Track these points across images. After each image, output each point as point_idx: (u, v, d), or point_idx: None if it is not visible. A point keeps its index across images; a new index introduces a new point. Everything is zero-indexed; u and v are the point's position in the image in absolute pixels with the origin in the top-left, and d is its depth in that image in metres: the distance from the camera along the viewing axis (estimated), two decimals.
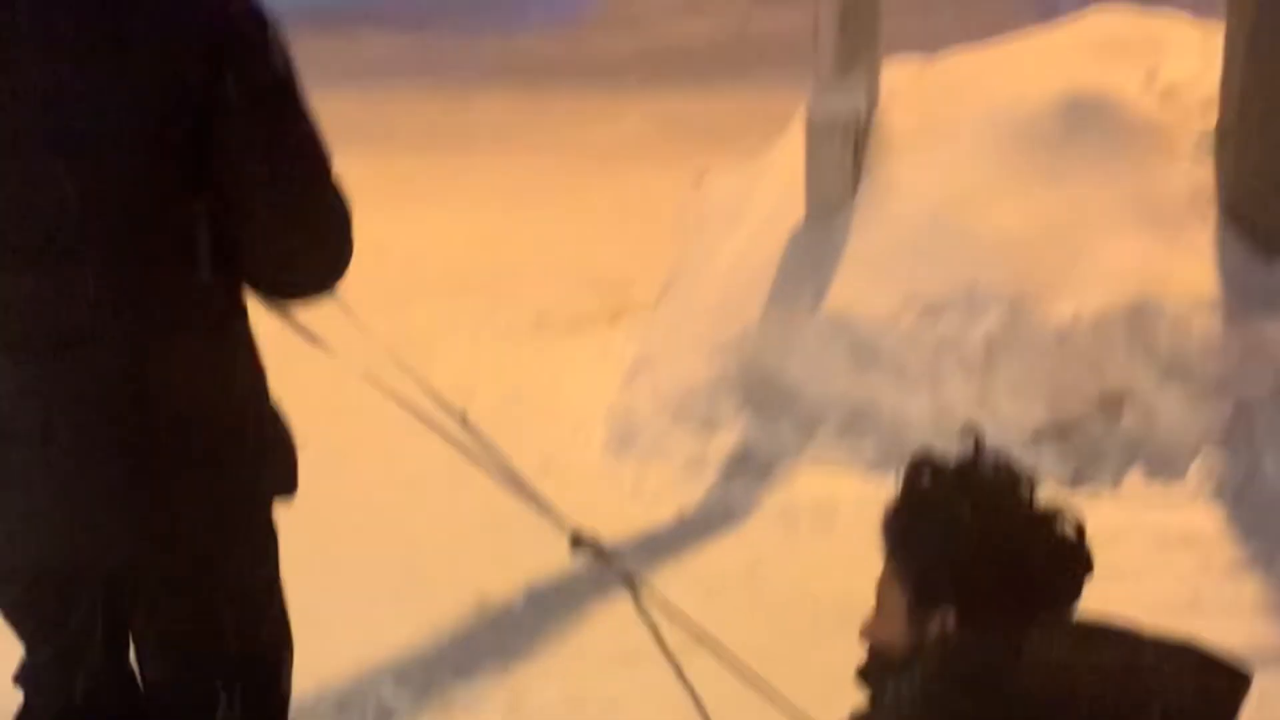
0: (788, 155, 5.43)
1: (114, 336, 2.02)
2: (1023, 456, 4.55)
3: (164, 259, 2.02)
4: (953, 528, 2.09)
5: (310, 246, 2.13)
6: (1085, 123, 4.94)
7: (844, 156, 4.98)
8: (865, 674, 2.19)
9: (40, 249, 1.99)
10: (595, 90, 12.00)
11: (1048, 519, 2.07)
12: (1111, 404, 4.68)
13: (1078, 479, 4.63)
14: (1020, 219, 4.80)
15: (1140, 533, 4.32)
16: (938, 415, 4.72)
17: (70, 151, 1.92)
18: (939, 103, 5.20)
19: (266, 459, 2.26)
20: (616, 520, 4.71)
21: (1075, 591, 2.08)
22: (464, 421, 2.97)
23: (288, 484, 2.33)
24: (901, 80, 5.38)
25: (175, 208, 2.00)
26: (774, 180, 5.48)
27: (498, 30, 15.45)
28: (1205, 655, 1.99)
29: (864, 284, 4.82)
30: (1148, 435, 4.65)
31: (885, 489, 4.55)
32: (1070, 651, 1.97)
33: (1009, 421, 4.66)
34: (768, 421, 4.87)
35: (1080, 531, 2.07)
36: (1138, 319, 4.64)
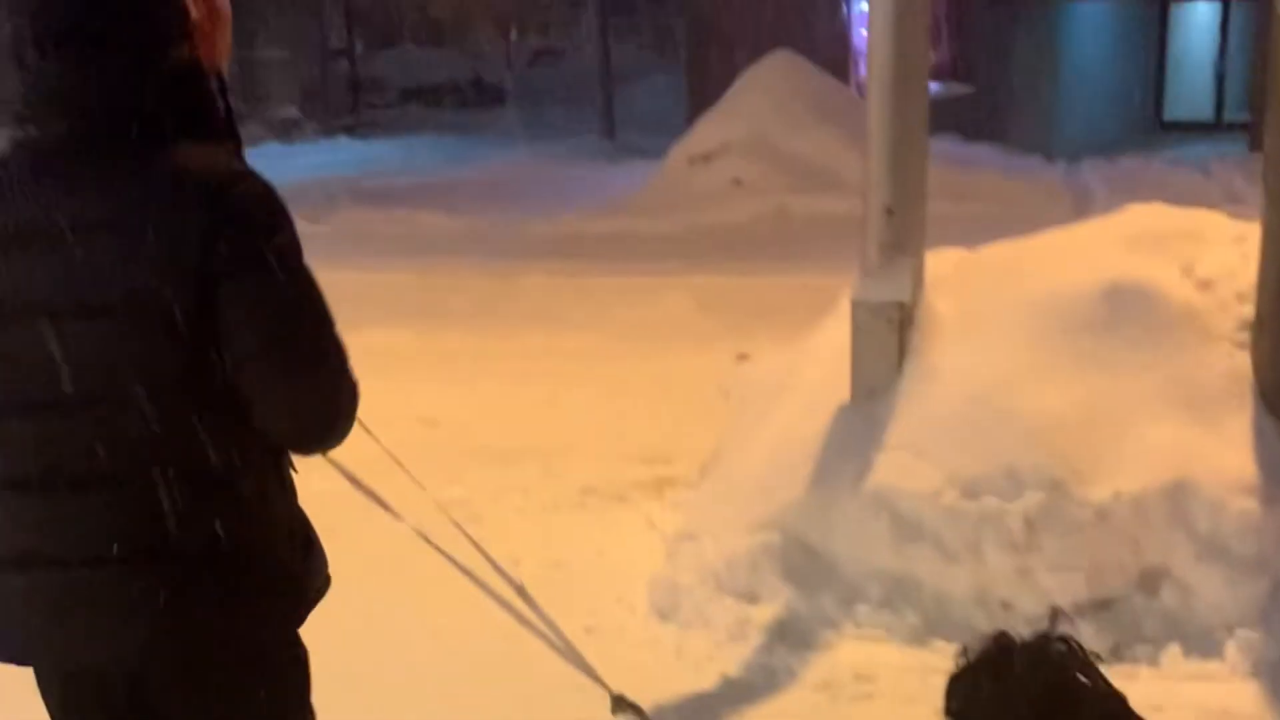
0: (832, 336, 5.59)
1: (128, 480, 2.22)
2: (1062, 630, 4.69)
3: (180, 412, 2.20)
4: (1012, 697, 2.12)
5: (306, 402, 2.25)
6: (1125, 310, 5.08)
7: (889, 340, 5.13)
8: None
9: (57, 403, 2.20)
10: (638, 270, 12.28)
11: (1107, 698, 2.13)
12: (1150, 581, 4.76)
13: (1116, 654, 4.68)
14: (1061, 402, 4.93)
15: (1179, 709, 4.36)
16: (978, 589, 4.82)
17: (84, 319, 2.17)
18: (982, 289, 5.36)
19: (283, 595, 2.39)
20: (659, 685, 4.78)
21: None
22: (521, 590, 3.29)
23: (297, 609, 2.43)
24: (945, 268, 5.55)
25: (188, 366, 2.18)
26: (818, 360, 5.63)
27: (545, 213, 15.86)
28: None
29: (907, 462, 4.94)
30: (1186, 613, 4.72)
31: (926, 659, 4.65)
32: None
33: (1049, 595, 4.73)
34: (809, 593, 4.96)
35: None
36: (1176, 499, 4.74)
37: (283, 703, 2.45)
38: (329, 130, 25.14)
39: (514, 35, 34.47)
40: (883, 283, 5.18)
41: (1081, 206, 14.47)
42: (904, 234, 5.20)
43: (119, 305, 2.16)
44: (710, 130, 16.85)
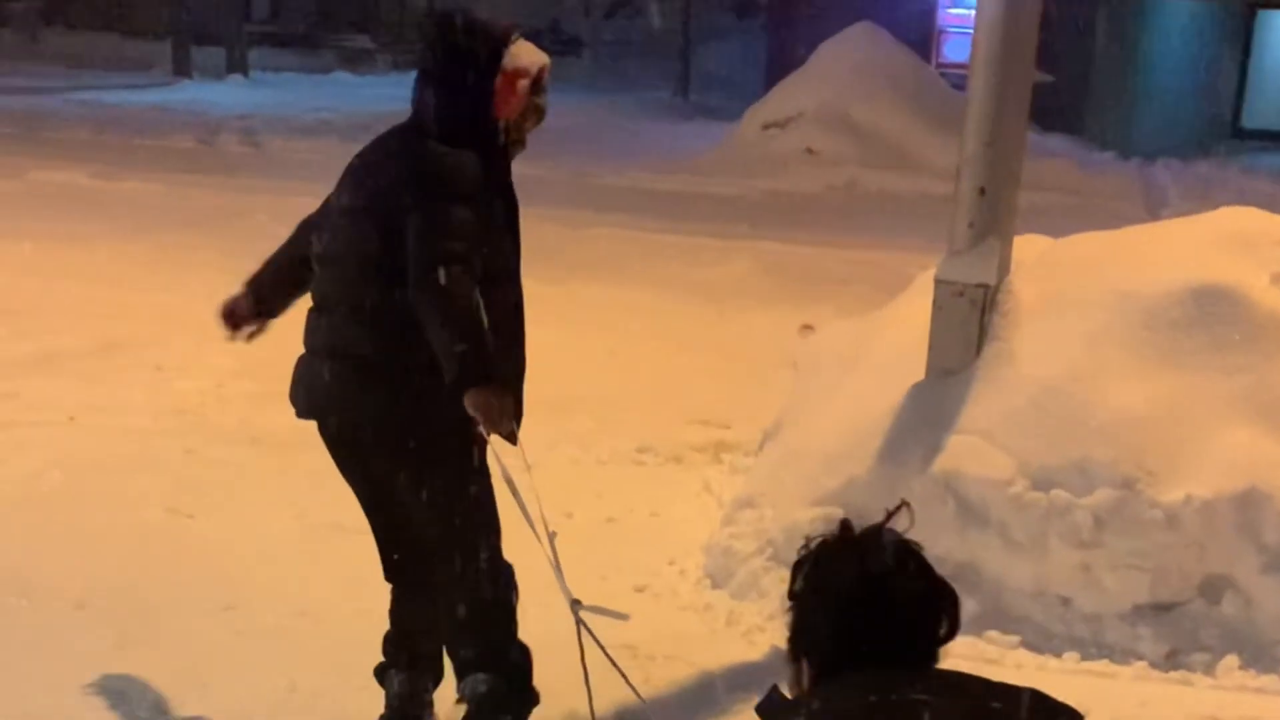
0: (910, 312, 5.52)
1: (349, 307, 3.77)
2: (1119, 631, 4.63)
3: (383, 273, 3.68)
4: (804, 584, 2.30)
5: (430, 286, 3.56)
6: (1210, 312, 5.00)
7: (970, 321, 5.06)
8: (758, 709, 2.32)
9: (334, 258, 3.84)
10: (705, 231, 12.21)
11: (916, 577, 2.25)
12: (1213, 589, 4.70)
13: (1173, 660, 4.64)
14: (1138, 400, 4.86)
15: None
16: (1039, 582, 4.77)
17: (372, 217, 3.73)
18: (1067, 279, 5.28)
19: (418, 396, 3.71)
20: (708, 651, 4.76)
21: (921, 647, 2.24)
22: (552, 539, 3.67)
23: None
24: (1030, 255, 5.47)
25: (391, 251, 3.66)
26: (894, 335, 5.56)
27: (615, 165, 15.80)
28: (1047, 700, 2.20)
29: (978, 447, 4.88)
30: (1246, 624, 4.66)
31: (979, 648, 4.59)
32: (920, 695, 2.14)
33: (1110, 595, 4.69)
34: None
35: (933, 596, 2.26)
36: (1246, 508, 4.67)
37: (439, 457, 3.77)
38: (400, 64, 25.06)
39: None
40: (969, 263, 5.10)
41: (1153, 206, 14.33)
42: (995, 216, 5.11)
43: (361, 209, 3.76)
44: (787, 97, 16.75)
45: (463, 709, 4.03)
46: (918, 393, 5.14)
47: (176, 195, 12.92)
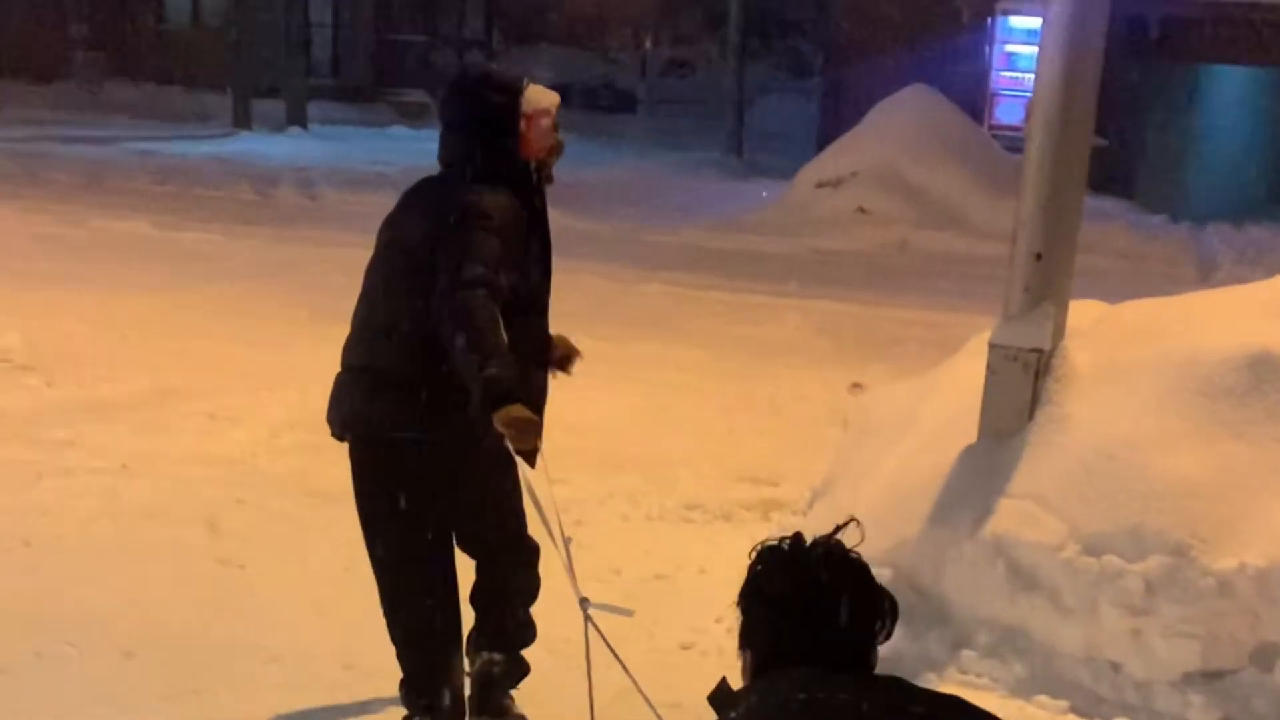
0: (963, 374, 5.52)
1: (378, 327, 4.07)
2: (1170, 698, 4.59)
3: (412, 296, 3.94)
4: (746, 587, 2.56)
5: (454, 309, 3.81)
6: (1266, 380, 4.96)
7: (1024, 385, 5.05)
8: (709, 698, 2.53)
9: (369, 285, 4.13)
10: (756, 288, 12.25)
11: (820, 585, 2.47)
12: (1266, 658, 4.64)
13: None
14: (1192, 466, 4.82)
15: None
16: (1089, 647, 4.73)
17: (400, 247, 4.05)
18: (1122, 346, 5.26)
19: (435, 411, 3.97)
20: None
21: (855, 649, 2.46)
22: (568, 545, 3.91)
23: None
24: (1085, 320, 5.45)
25: (421, 277, 3.91)
26: (946, 397, 5.55)
27: (667, 222, 15.88)
28: (969, 706, 2.39)
29: (1030, 511, 4.86)
30: None
31: (1028, 713, 4.56)
32: (844, 695, 2.35)
33: (1161, 661, 4.64)
34: (916, 633, 4.89)
35: (866, 603, 2.48)
36: None
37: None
38: None
39: (649, 44, 34.58)
40: (1024, 328, 5.09)
41: (1205, 271, 14.27)
42: (1050, 281, 5.11)
43: (398, 240, 4.06)
44: (840, 157, 16.81)
45: None
46: (969, 456, 5.13)
47: (234, 245, 13.08)
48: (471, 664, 4.37)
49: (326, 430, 4.23)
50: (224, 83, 25.51)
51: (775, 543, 2.57)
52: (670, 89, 31.63)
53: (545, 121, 4.07)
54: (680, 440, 7.76)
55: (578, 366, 4.45)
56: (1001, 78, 20.47)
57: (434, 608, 4.16)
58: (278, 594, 5.43)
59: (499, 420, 3.70)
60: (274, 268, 11.95)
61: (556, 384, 7.55)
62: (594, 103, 30.14)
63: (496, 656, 4.37)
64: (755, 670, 2.51)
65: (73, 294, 10.24)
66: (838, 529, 2.55)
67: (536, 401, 4.02)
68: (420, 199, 4.12)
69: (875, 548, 5.04)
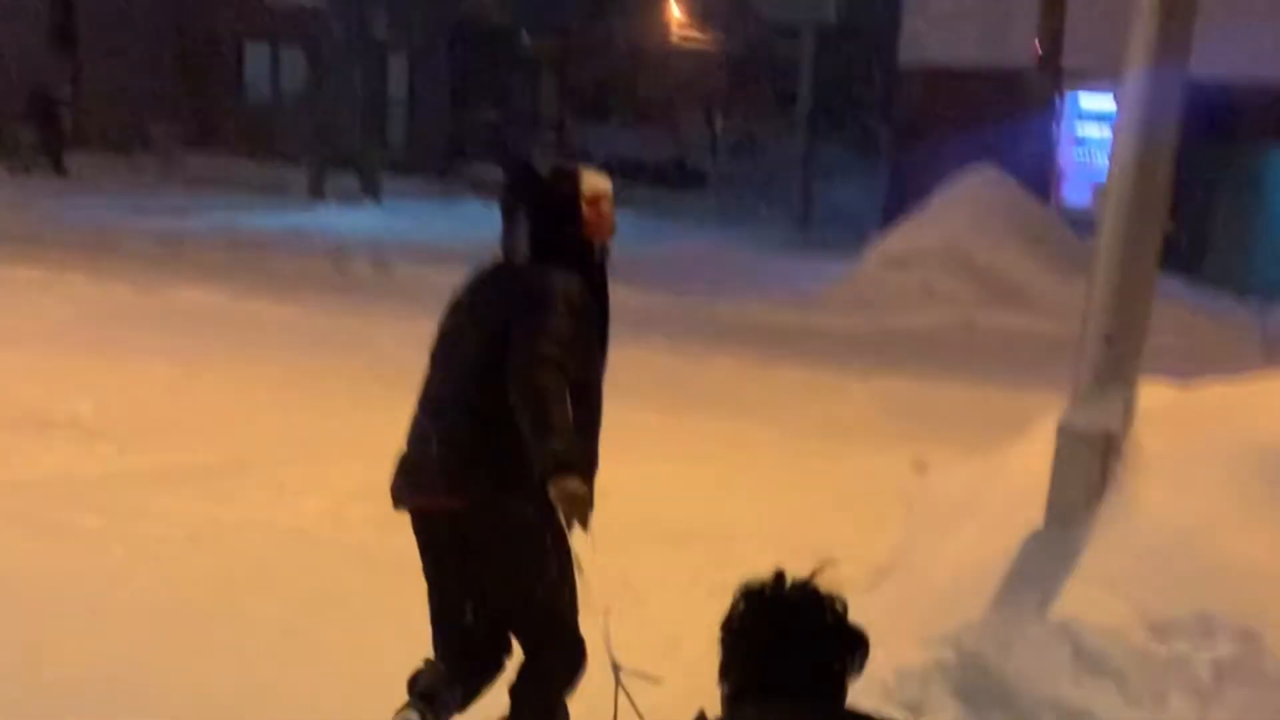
0: (1027, 457, 5.50)
1: (463, 411, 4.21)
2: None
3: (482, 373, 4.13)
4: (726, 623, 2.80)
5: (526, 384, 3.98)
6: None
7: (1092, 468, 5.03)
8: None
9: (452, 366, 4.29)
10: (822, 365, 12.23)
11: (793, 624, 2.72)
12: None
13: None
14: (1262, 551, 4.78)
15: None
16: None
17: (474, 326, 4.26)
18: (1192, 428, 5.23)
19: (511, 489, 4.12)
20: None
21: (826, 682, 2.72)
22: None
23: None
24: (1154, 402, 5.43)
25: (492, 355, 4.10)
26: (1012, 479, 5.53)
27: (734, 298, 15.90)
28: None
29: (1097, 595, 4.82)
30: None
31: None
32: None
33: None
34: (980, 714, 4.84)
35: (837, 640, 2.74)
36: None
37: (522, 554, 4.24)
38: None
39: (719, 122, 34.79)
40: (1093, 411, 5.07)
41: (1270, 349, 14.13)
42: (1120, 364, 5.10)
43: (469, 322, 4.28)
44: (908, 235, 16.83)
45: None
46: (1037, 538, 5.10)
47: (307, 317, 13.21)
48: None
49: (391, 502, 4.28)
50: (300, 155, 25.89)
51: (757, 584, 2.80)
52: (739, 166, 31.78)
53: (604, 205, 4.35)
54: (744, 515, 7.74)
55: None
56: (1069, 157, 20.44)
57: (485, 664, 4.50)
58: (342, 666, 5.45)
59: (555, 491, 3.88)
60: (345, 339, 12.06)
61: (621, 459, 7.58)
62: (663, 179, 30.33)
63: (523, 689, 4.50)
64: (731, 700, 2.73)
65: (147, 363, 10.38)
66: (814, 573, 2.78)
67: (589, 473, 4.18)
68: (493, 282, 4.34)
69: (940, 630, 5.07)
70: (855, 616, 5.86)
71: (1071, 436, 5.05)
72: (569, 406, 3.97)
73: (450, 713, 4.46)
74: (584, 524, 4.01)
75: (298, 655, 5.57)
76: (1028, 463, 5.46)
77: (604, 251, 4.39)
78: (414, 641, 5.63)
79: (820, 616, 2.72)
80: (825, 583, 2.76)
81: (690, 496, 7.97)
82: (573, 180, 4.33)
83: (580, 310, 4.17)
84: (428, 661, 4.53)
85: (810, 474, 8.70)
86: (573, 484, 3.89)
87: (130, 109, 28.72)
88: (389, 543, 6.01)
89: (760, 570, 6.75)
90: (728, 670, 2.77)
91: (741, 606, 2.77)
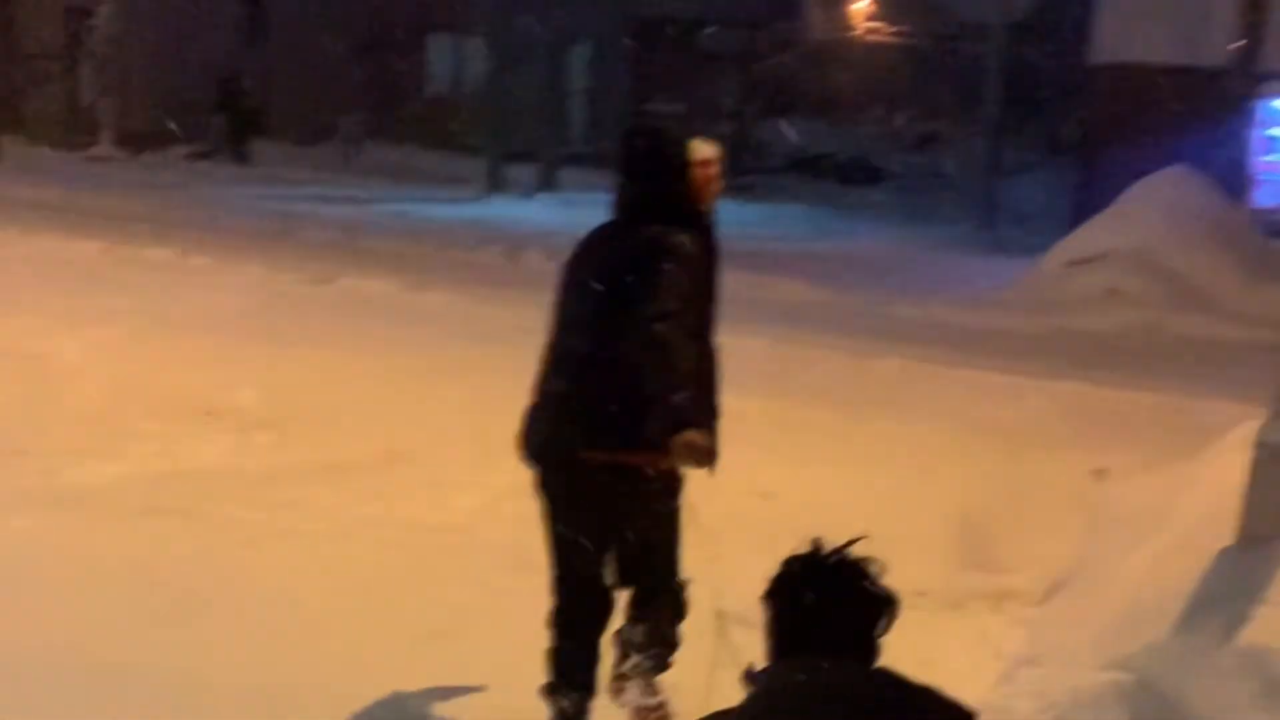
0: (1221, 469, 5.17)
1: (591, 365, 4.43)
2: None
3: (604, 330, 4.38)
4: (769, 588, 3.06)
5: (649, 337, 4.20)
6: None
7: None
8: (743, 676, 3.06)
9: (576, 322, 4.55)
10: (999, 367, 11.84)
11: (827, 589, 2.98)
12: None
13: None
14: None
15: None
16: None
17: (595, 283, 4.48)
18: None
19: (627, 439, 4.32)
20: None
21: (859, 642, 3.00)
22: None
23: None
24: None
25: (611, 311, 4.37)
26: (1200, 494, 5.21)
27: (911, 297, 15.56)
28: (939, 695, 2.93)
29: None
30: None
31: None
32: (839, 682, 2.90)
33: None
34: None
35: (870, 603, 2.99)
36: None
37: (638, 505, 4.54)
38: None
39: (902, 118, 34.34)
40: None
41: None
42: None
43: (594, 281, 4.47)
44: (1094, 235, 16.33)
45: None
46: (1226, 558, 4.81)
47: (477, 309, 13.18)
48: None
49: None
50: (480, 147, 26.07)
51: (800, 553, 3.05)
52: (920, 163, 31.31)
53: (714, 169, 4.63)
54: (910, 521, 7.43)
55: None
56: (1260, 161, 19.86)
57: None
58: (491, 670, 5.31)
59: (677, 444, 4.13)
60: (512, 332, 11.93)
61: (789, 460, 7.41)
62: (844, 175, 30.01)
63: (638, 630, 4.71)
64: (774, 657, 3.02)
65: (312, 352, 10.41)
66: (849, 543, 3.04)
67: (709, 422, 4.47)
68: (611, 240, 4.62)
69: (1120, 651, 4.76)
70: (1028, 630, 5.60)
71: (1269, 453, 4.74)
72: (691, 359, 4.25)
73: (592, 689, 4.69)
74: (709, 469, 4.31)
75: (446, 658, 5.45)
76: (1219, 475, 5.15)
77: (711, 213, 4.63)
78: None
79: (856, 582, 2.98)
80: (859, 550, 3.02)
81: (856, 500, 7.67)
82: (680, 144, 4.60)
83: (694, 265, 4.41)
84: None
85: (982, 478, 8.36)
86: (692, 435, 4.13)
87: (316, 100, 29.19)
88: (540, 543, 5.88)
89: (925, 577, 6.49)
90: (771, 630, 3.03)
91: (783, 571, 3.03)
